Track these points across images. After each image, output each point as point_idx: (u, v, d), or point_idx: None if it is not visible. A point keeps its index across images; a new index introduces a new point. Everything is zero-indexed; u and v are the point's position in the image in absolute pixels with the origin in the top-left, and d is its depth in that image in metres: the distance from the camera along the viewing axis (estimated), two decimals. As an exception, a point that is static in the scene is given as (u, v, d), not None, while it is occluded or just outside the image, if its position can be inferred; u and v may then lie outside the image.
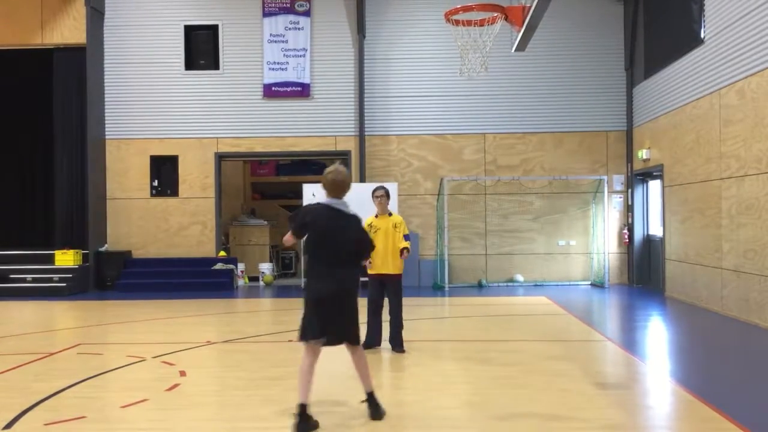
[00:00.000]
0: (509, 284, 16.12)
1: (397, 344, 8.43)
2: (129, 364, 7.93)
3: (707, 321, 11.06)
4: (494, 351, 8.62)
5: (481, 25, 7.60)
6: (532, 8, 6.42)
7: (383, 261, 8.34)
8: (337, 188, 5.74)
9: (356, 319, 5.87)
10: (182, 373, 7.42)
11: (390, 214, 8.51)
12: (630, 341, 9.62)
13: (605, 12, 16.36)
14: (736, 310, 10.80)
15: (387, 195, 8.48)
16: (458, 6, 7.74)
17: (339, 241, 5.67)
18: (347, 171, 5.80)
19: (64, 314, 12.87)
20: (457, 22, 7.76)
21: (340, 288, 5.65)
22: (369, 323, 8.45)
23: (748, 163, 10.36)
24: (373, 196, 8.42)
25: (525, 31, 7.03)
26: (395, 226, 8.41)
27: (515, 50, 7.94)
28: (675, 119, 13.32)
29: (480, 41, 7.60)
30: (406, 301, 8.97)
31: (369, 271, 8.43)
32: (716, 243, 11.47)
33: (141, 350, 8.74)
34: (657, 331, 10.76)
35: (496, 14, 7.45)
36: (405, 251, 8.35)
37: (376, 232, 8.21)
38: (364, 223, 7.76)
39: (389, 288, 8.47)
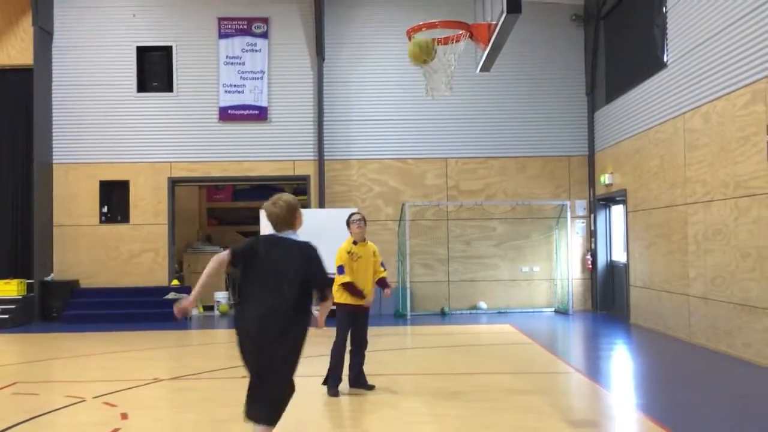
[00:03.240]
0: (472, 312, 15.75)
1: (363, 380, 7.93)
2: (66, 406, 7.32)
3: (675, 349, 10.80)
4: (461, 385, 8.20)
5: (445, 44, 7.27)
6: (499, 26, 6.10)
7: (370, 293, 7.90)
8: (275, 223, 5.04)
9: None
10: (123, 416, 6.84)
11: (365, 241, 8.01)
12: (597, 372, 9.29)
13: (566, 36, 16.28)
14: (703, 338, 10.56)
15: (365, 220, 8.03)
16: (421, 23, 7.41)
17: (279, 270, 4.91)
18: (287, 201, 5.03)
19: (3, 349, 12.10)
20: (419, 40, 7.45)
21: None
22: (338, 360, 7.81)
23: (714, 188, 10.18)
24: (350, 222, 7.94)
25: (491, 50, 6.72)
26: (375, 254, 7.99)
27: (480, 70, 7.63)
28: (638, 144, 13.18)
29: (444, 60, 7.27)
30: (369, 331, 8.50)
31: (343, 301, 7.71)
32: (682, 269, 11.25)
33: (81, 389, 8.12)
34: (624, 361, 10.46)
35: (460, 32, 7.14)
36: (386, 286, 8.09)
37: (358, 259, 7.78)
38: (342, 253, 7.74)
39: (360, 320, 7.88)
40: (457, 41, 7.19)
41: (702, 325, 10.59)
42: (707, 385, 8.40)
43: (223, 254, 5.04)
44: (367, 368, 8.07)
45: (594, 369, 9.51)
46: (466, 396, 7.65)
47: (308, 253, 5.09)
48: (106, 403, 7.40)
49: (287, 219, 5.00)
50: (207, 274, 5.07)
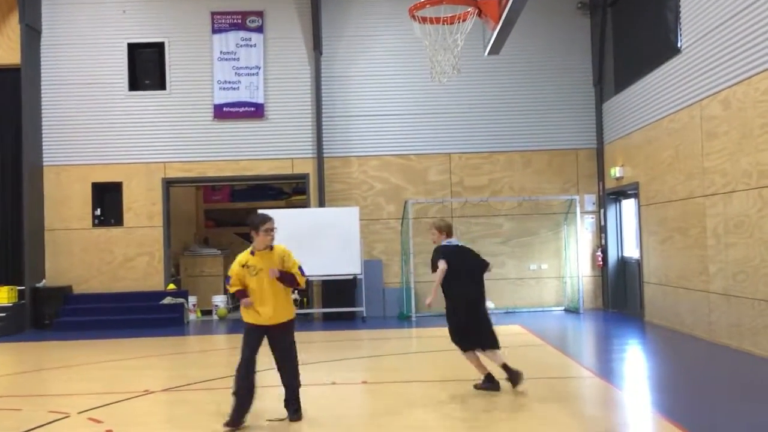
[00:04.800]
0: (479, 312, 15.17)
1: (296, 409, 6.63)
2: (48, 423, 6.78)
3: (695, 349, 10.25)
4: (472, 393, 7.64)
5: (451, 23, 6.72)
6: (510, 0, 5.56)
7: (274, 309, 6.48)
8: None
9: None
10: (108, 434, 6.31)
11: (271, 248, 6.61)
12: (616, 375, 8.77)
13: (571, 26, 15.72)
14: (726, 337, 10.00)
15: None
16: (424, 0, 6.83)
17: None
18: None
19: (-10, 359, 11.58)
20: (423, 20, 6.85)
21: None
22: (244, 389, 6.43)
23: (735, 178, 9.63)
24: (261, 229, 6.45)
25: (501, 28, 6.17)
26: (283, 261, 6.58)
27: (489, 53, 7.09)
28: (650, 134, 12.62)
29: (450, 40, 6.71)
30: (372, 334, 8.03)
31: (248, 320, 6.55)
32: (701, 264, 10.70)
33: (67, 403, 7.59)
34: (643, 362, 9.91)
35: (468, 8, 6.58)
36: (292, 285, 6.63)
37: (257, 273, 6.43)
38: (236, 265, 6.54)
39: (275, 340, 6.59)
40: (464, 20, 6.64)
41: (724, 323, 10.04)
42: (734, 387, 7.84)
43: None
44: (372, 375, 7.57)
45: (612, 372, 8.98)
46: (479, 404, 7.11)
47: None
48: (92, 419, 6.86)
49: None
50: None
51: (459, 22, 6.65)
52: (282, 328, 6.58)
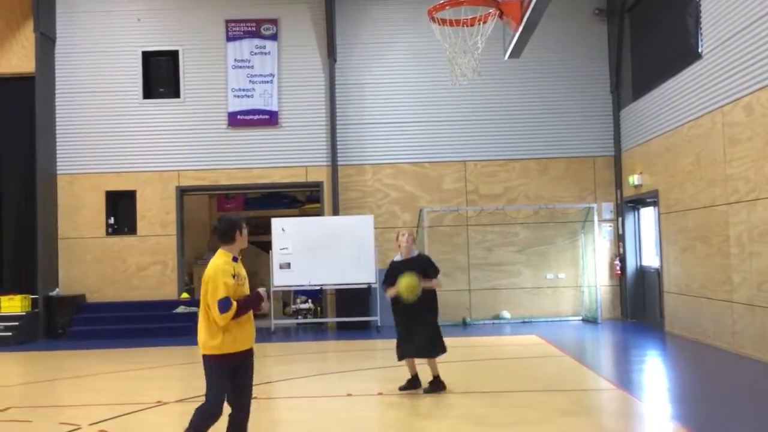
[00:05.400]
0: (495, 321, 15.00)
1: None
2: (60, 435, 6.66)
3: (720, 360, 10.00)
4: (490, 406, 7.46)
5: (472, 25, 6.56)
6: (533, 1, 5.40)
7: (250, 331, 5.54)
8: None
9: None
10: (120, 447, 6.17)
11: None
12: (640, 388, 8.53)
13: (588, 32, 15.55)
14: (750, 348, 9.75)
15: None
16: (444, 1, 6.67)
17: None
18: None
19: (2, 369, 11.49)
20: (443, 22, 6.70)
21: None
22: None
23: (759, 186, 9.40)
24: (245, 229, 5.49)
25: (523, 30, 6.02)
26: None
27: (509, 56, 6.94)
28: (670, 141, 12.41)
29: (470, 42, 6.56)
30: (387, 344, 7.92)
31: (238, 347, 5.37)
32: (724, 274, 10.46)
33: (79, 414, 7.47)
34: (667, 374, 9.67)
35: (489, 10, 6.43)
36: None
37: (243, 284, 5.40)
38: (226, 278, 5.17)
39: (251, 365, 5.69)
40: (485, 22, 6.49)
41: (749, 334, 9.79)
42: (760, 399, 7.61)
43: None
44: (387, 386, 7.39)
45: (636, 384, 8.75)
46: (499, 417, 6.91)
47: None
48: (102, 431, 6.73)
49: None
50: None
51: (479, 24, 6.50)
52: (252, 352, 5.54)
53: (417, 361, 8.22)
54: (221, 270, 5.13)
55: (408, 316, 7.97)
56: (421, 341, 7.99)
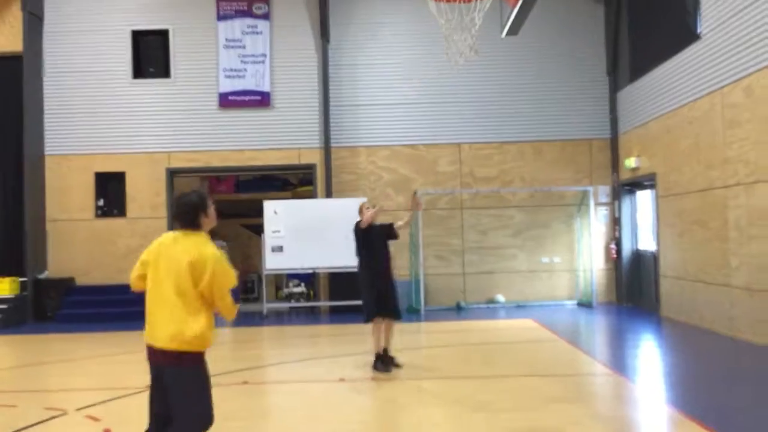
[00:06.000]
0: (490, 305, 14.87)
1: None
2: (44, 420, 6.49)
3: (717, 345, 9.89)
4: (486, 391, 7.31)
5: (468, 1, 6.37)
6: (532, -26, 5.22)
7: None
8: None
9: None
10: (107, 433, 6.01)
11: None
12: (636, 372, 8.42)
13: (584, 13, 15.32)
14: (749, 333, 9.64)
15: None
16: (441, -25, 6.49)
17: None
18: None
19: (-10, 352, 11.32)
20: (439, -2, 6.53)
21: None
22: None
23: (759, 168, 9.25)
24: (209, 207, 4.57)
25: (521, 6, 5.82)
26: None
27: (507, 34, 6.75)
28: (668, 123, 12.24)
29: (467, 18, 6.36)
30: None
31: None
32: (723, 258, 10.33)
33: (65, 399, 7.32)
34: (663, 358, 9.55)
35: (487, -17, 6.24)
36: None
37: None
38: (225, 263, 4.40)
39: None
40: (482, -2, 6.29)
41: (747, 319, 9.67)
42: (759, 383, 7.49)
43: None
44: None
45: (631, 369, 8.64)
46: (496, 403, 6.77)
47: None
48: (89, 417, 6.58)
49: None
50: None
51: (477, 0, 6.31)
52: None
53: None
54: (220, 256, 4.39)
55: (384, 280, 8.52)
56: (395, 304, 8.64)
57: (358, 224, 8.64)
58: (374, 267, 8.52)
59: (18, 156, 14.89)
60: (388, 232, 8.76)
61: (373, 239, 8.56)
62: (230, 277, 4.34)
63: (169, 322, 4.27)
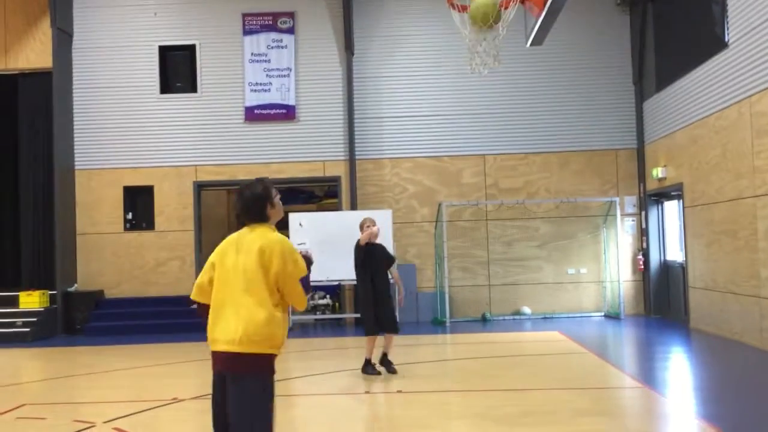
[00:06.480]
0: (516, 317, 14.78)
1: None
2: (73, 433, 6.57)
3: (748, 357, 9.73)
4: (512, 404, 7.26)
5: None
6: (557, -16, 5.22)
7: None
8: None
9: None
10: (134, 446, 6.06)
11: None
12: (667, 386, 8.30)
13: (610, 23, 15.26)
14: (780, 345, 9.48)
15: None
16: (465, -17, 6.47)
17: None
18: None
19: (20, 364, 11.47)
20: (463, 8, 6.50)
21: None
22: None
23: (789, 178, 9.12)
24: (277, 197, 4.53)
25: (546, 15, 5.81)
26: None
27: (531, 44, 6.75)
28: (695, 133, 12.12)
29: (492, 30, 6.36)
30: (405, 340, 7.81)
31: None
32: (752, 269, 10.18)
33: (93, 412, 7.38)
34: (694, 371, 9.42)
35: (512, -6, 6.22)
36: None
37: None
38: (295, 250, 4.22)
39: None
40: (506, 8, 6.29)
41: (778, 331, 9.52)
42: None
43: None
44: (406, 383, 7.21)
45: (661, 382, 8.52)
46: (523, 418, 6.71)
47: None
48: (117, 429, 6.63)
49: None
50: None
51: (501, 9, 6.31)
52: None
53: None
54: (290, 244, 4.08)
55: (380, 296, 8.82)
56: (393, 322, 9.04)
57: (358, 242, 8.85)
58: (374, 286, 8.84)
59: (49, 170, 15.15)
60: (388, 261, 9.16)
61: (373, 259, 8.82)
62: (300, 266, 4.04)
63: (236, 322, 3.91)
